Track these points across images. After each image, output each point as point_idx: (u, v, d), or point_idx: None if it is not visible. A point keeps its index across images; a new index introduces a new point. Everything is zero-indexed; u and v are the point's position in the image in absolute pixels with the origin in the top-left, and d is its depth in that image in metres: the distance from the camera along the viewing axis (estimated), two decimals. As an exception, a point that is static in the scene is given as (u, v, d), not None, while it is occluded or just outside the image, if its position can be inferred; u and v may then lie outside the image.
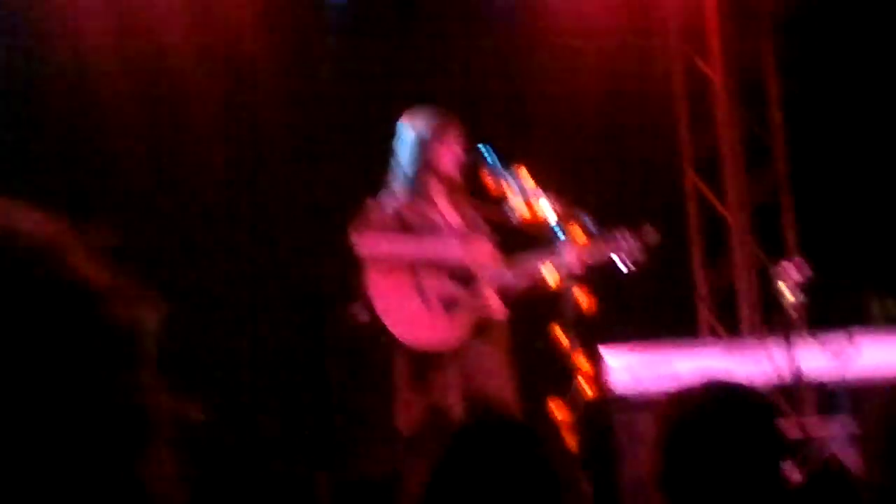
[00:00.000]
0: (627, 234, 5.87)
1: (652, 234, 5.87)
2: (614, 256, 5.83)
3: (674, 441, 2.75)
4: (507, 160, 5.94)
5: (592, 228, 5.86)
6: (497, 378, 5.78)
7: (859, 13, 8.36)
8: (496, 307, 5.85)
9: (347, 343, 7.22)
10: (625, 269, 5.85)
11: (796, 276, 6.94)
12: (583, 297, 5.71)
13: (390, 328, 5.72)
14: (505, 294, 5.89)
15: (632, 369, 7.20)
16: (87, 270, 1.35)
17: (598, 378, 6.39)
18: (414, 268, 5.82)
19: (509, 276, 5.88)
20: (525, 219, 5.77)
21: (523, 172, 5.87)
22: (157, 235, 7.80)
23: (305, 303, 8.04)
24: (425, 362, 5.71)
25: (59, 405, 1.27)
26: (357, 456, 7.60)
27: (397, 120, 6.14)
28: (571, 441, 5.48)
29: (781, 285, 6.98)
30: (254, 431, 7.78)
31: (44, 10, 7.62)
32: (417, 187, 5.93)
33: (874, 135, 8.35)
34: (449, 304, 5.80)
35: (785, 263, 7.29)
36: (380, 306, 5.75)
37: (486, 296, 5.83)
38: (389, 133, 6.17)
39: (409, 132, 5.96)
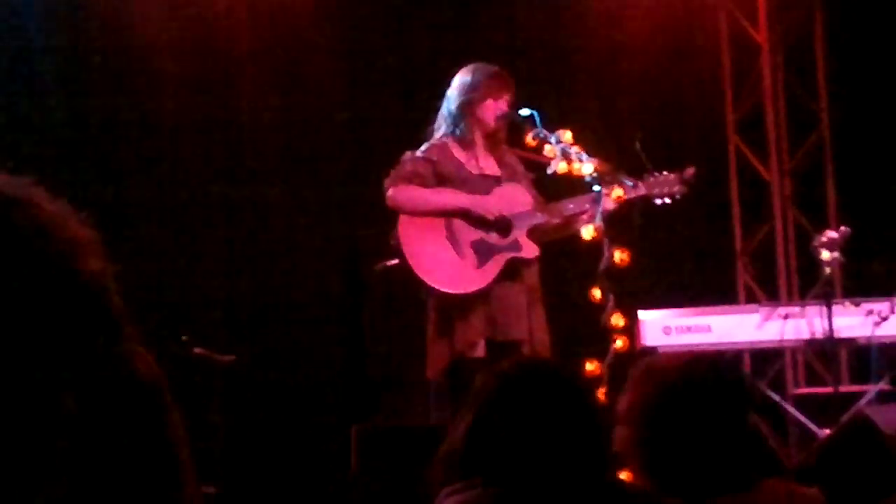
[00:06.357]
0: (668, 173, 5.88)
1: (690, 171, 5.87)
2: (656, 191, 5.84)
3: (650, 414, 2.79)
4: (553, 121, 5.97)
5: (632, 189, 5.88)
6: (524, 317, 5.82)
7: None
8: (527, 248, 5.90)
9: (383, 294, 7.30)
10: (660, 203, 5.85)
11: (837, 241, 6.95)
12: (618, 253, 5.74)
13: (421, 276, 5.78)
14: (537, 235, 5.94)
15: (666, 326, 7.25)
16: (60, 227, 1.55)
17: (632, 333, 6.43)
18: (447, 217, 5.88)
19: (540, 217, 5.92)
20: (563, 173, 5.81)
21: (568, 136, 5.90)
22: (209, 196, 7.99)
23: (343, 256, 8.13)
24: (452, 309, 5.77)
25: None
26: (391, 406, 7.70)
27: (440, 77, 6.17)
28: (603, 394, 5.53)
29: (822, 250, 6.99)
30: (289, 381, 7.89)
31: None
32: (461, 136, 5.98)
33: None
34: (481, 251, 5.85)
35: (827, 230, 7.31)
36: (411, 255, 5.80)
37: (518, 238, 5.88)
38: (432, 90, 6.20)
39: (463, 82, 6.00)
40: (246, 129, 8.18)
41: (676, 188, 5.84)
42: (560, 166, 5.84)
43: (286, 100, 8.22)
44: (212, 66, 8.12)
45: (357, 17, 8.29)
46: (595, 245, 5.80)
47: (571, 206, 5.89)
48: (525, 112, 5.94)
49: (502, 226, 5.89)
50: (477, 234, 5.88)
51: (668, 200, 5.86)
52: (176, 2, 8.04)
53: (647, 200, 5.86)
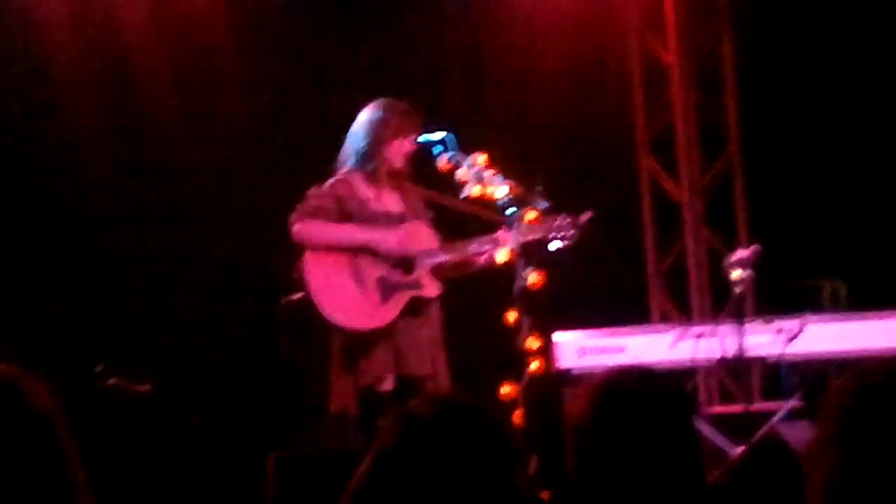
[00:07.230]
0: (564, 216, 5.93)
1: (586, 216, 5.93)
2: (550, 236, 5.89)
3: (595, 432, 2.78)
4: (466, 145, 6.00)
5: (547, 213, 5.93)
6: (427, 353, 5.87)
7: (815, 2, 8.46)
8: (429, 286, 5.94)
9: (298, 323, 7.29)
10: (555, 248, 5.91)
11: (748, 259, 7.02)
12: (532, 276, 5.79)
13: (324, 311, 5.81)
14: (439, 273, 5.98)
15: (581, 347, 7.29)
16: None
17: (547, 356, 6.47)
18: (352, 253, 5.90)
19: (442, 256, 5.97)
20: (475, 198, 5.86)
21: (482, 159, 5.94)
22: (123, 226, 7.89)
23: (261, 284, 8.08)
24: (357, 344, 5.80)
25: None
26: (303, 435, 7.66)
27: (352, 107, 6.18)
28: (519, 417, 5.56)
29: (733, 269, 7.06)
30: (205, 410, 7.84)
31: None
32: (366, 174, 6.00)
33: (827, 122, 8.43)
34: (385, 289, 5.89)
35: (738, 249, 7.38)
36: (314, 289, 5.84)
37: (420, 277, 5.92)
38: (345, 122, 6.20)
39: (372, 119, 6.00)
40: (162, 160, 8.09)
41: (571, 233, 5.89)
42: (474, 189, 5.89)
43: (203, 131, 8.14)
44: (122, 92, 8.03)
45: (271, 41, 8.25)
46: (509, 268, 5.84)
47: (474, 245, 5.94)
48: (440, 135, 5.97)
49: (405, 263, 5.92)
50: (381, 272, 5.92)
51: (561, 244, 5.91)
52: (87, 32, 7.93)
53: (540, 243, 5.91)
